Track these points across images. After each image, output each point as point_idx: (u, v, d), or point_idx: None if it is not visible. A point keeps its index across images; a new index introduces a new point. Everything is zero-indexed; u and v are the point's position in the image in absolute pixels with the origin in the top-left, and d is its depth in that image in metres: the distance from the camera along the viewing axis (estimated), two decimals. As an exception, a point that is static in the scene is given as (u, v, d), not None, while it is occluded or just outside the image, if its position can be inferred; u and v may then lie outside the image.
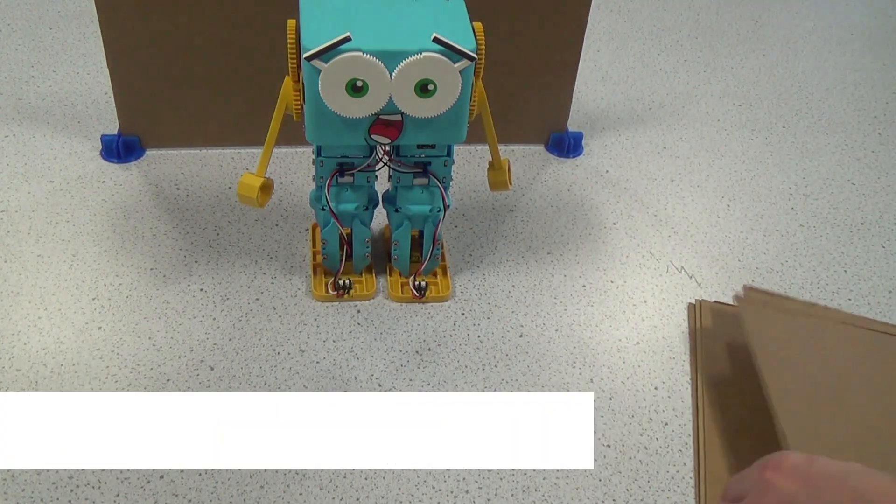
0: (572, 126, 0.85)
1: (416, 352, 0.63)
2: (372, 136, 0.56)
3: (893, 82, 1.02)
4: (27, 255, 0.67)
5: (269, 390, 0.59)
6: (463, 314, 0.66)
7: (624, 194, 0.79)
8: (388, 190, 0.64)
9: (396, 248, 0.66)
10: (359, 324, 0.65)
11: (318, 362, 0.62)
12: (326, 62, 0.51)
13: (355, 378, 0.61)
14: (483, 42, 0.54)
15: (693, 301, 0.69)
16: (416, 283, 0.66)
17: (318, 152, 0.59)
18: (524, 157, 0.83)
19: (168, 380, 0.59)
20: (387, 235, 0.70)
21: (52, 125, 0.80)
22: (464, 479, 0.55)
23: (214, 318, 0.64)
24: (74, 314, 0.63)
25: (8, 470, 0.53)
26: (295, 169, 0.78)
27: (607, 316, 0.67)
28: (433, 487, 0.55)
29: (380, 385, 0.60)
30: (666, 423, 0.60)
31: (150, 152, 0.78)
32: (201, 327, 0.63)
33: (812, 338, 0.64)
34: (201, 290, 0.66)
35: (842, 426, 0.57)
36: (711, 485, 0.57)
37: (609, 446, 0.58)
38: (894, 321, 0.69)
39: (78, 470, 0.53)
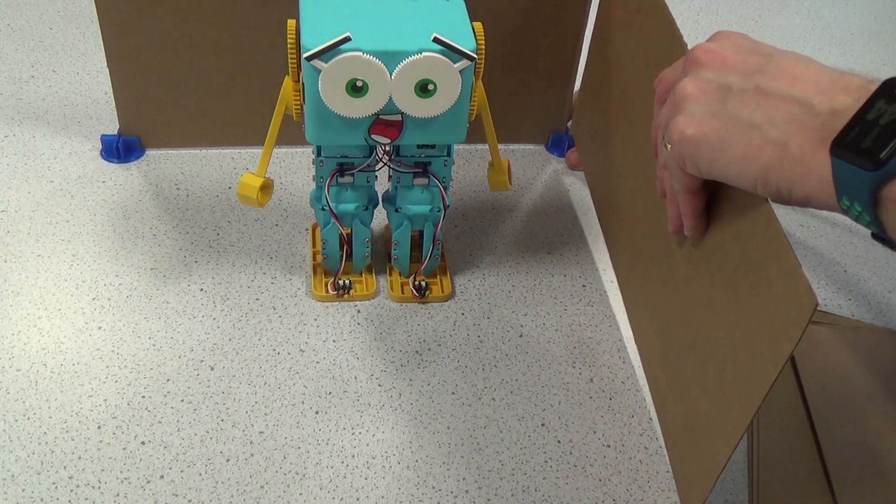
0: (572, 126, 0.85)
1: (416, 352, 0.63)
2: (372, 136, 0.56)
3: (893, 82, 1.01)
4: (27, 255, 0.67)
5: (269, 390, 0.59)
6: (463, 314, 0.66)
7: (624, 194, 0.79)
8: (388, 190, 0.64)
9: (396, 248, 0.66)
10: (359, 324, 0.65)
11: (318, 362, 0.62)
12: (326, 62, 0.51)
13: (355, 378, 0.61)
14: (483, 42, 0.54)
15: (693, 301, 0.70)
16: (417, 283, 0.66)
17: (318, 152, 0.59)
18: (524, 157, 0.83)
19: (168, 380, 0.59)
20: (387, 235, 0.70)
21: (52, 125, 0.80)
22: (464, 479, 0.55)
23: (214, 318, 0.64)
24: (74, 314, 0.63)
25: (8, 470, 0.53)
26: (295, 169, 0.78)
27: (607, 316, 0.67)
28: (433, 487, 0.55)
29: (380, 385, 0.60)
30: (666, 423, 0.60)
31: (150, 152, 0.78)
32: (201, 327, 0.63)
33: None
34: (201, 290, 0.66)
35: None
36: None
37: (609, 446, 0.58)
38: (895, 321, 0.70)
39: (78, 470, 0.53)
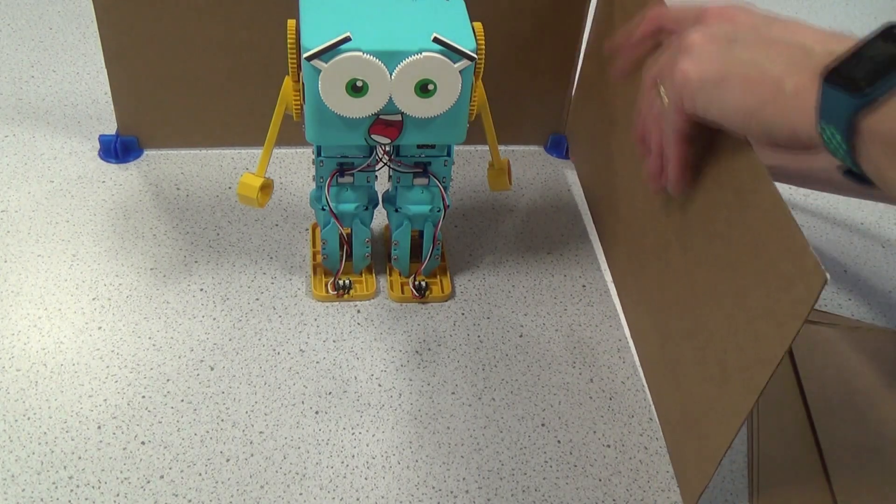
0: (572, 126, 0.85)
1: (416, 352, 0.63)
2: (372, 136, 0.56)
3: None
4: (27, 255, 0.67)
5: (269, 390, 0.59)
6: (463, 314, 0.66)
7: (624, 194, 0.79)
8: (388, 190, 0.64)
9: (396, 248, 0.66)
10: (359, 324, 0.65)
11: (318, 362, 0.62)
12: (326, 62, 0.51)
13: (355, 378, 0.61)
14: (483, 42, 0.54)
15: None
16: (416, 283, 0.66)
17: (318, 152, 0.59)
18: (524, 158, 0.83)
19: (168, 380, 0.59)
20: (387, 235, 0.70)
21: (52, 125, 0.80)
22: (464, 479, 0.55)
23: (214, 318, 0.64)
24: (74, 314, 0.63)
25: (8, 470, 0.53)
26: (295, 169, 0.78)
27: (607, 316, 0.67)
28: (433, 487, 0.55)
29: (380, 385, 0.60)
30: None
31: (149, 152, 0.78)
32: (201, 327, 0.63)
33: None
34: (201, 290, 0.66)
35: None
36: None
37: (609, 446, 0.58)
38: (895, 321, 0.70)
39: (78, 470, 0.53)
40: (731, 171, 0.48)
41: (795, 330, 0.41)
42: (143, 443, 0.55)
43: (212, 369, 0.60)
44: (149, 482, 0.53)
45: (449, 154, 0.60)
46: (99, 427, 0.56)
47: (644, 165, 0.55)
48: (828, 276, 0.38)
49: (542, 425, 0.59)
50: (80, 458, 0.54)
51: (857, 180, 0.40)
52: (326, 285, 0.66)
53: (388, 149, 0.59)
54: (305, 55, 0.51)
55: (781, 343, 0.42)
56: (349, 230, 0.64)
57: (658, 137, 0.52)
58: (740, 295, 0.47)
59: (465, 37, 0.53)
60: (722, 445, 0.49)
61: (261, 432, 0.57)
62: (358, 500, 0.54)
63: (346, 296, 0.66)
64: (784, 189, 0.82)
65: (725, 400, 0.49)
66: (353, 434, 0.57)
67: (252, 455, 0.55)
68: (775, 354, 0.43)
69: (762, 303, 0.45)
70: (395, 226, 0.65)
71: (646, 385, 0.62)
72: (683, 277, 0.55)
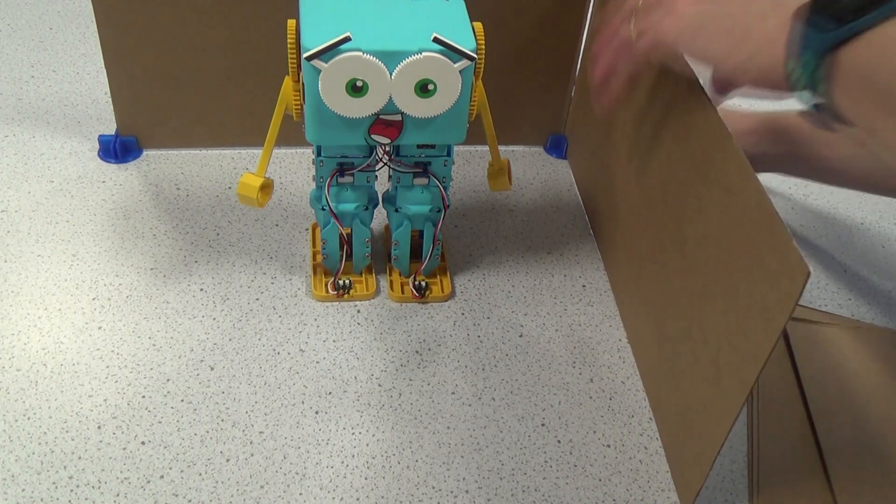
0: (572, 126, 0.85)
1: (416, 352, 0.63)
2: (372, 136, 0.56)
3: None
4: (27, 255, 0.67)
5: (269, 390, 0.59)
6: (463, 314, 0.66)
7: (624, 194, 0.79)
8: (388, 190, 0.64)
9: (396, 248, 0.66)
10: (359, 324, 0.65)
11: (318, 362, 0.62)
12: (326, 62, 0.51)
13: (355, 378, 0.61)
14: (483, 42, 0.54)
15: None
16: (416, 283, 0.66)
17: (318, 152, 0.59)
18: (524, 158, 0.83)
19: (168, 380, 0.59)
20: (387, 235, 0.70)
21: (52, 125, 0.80)
22: (464, 479, 0.55)
23: (214, 318, 0.64)
24: (74, 314, 0.63)
25: (8, 470, 0.53)
26: (295, 169, 0.78)
27: (607, 316, 0.67)
28: (433, 487, 0.55)
29: (380, 385, 0.60)
30: (666, 423, 0.60)
31: (148, 152, 0.78)
32: (201, 327, 0.63)
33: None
34: (201, 290, 0.66)
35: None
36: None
37: (609, 446, 0.58)
38: (895, 321, 0.70)
39: (78, 470, 0.53)
40: (720, 170, 0.48)
41: (782, 325, 0.41)
42: (143, 443, 0.55)
43: (212, 369, 0.60)
44: (149, 482, 0.53)
45: (449, 154, 0.60)
46: (99, 427, 0.56)
47: (590, 75, 0.57)
48: (810, 269, 0.39)
49: (542, 425, 0.59)
50: (80, 458, 0.54)
51: (821, 120, 0.42)
52: (326, 285, 0.66)
53: (388, 149, 0.59)
54: (305, 55, 0.51)
55: (769, 338, 0.43)
56: (349, 230, 0.64)
57: (612, 58, 0.54)
58: (732, 293, 0.48)
59: (465, 37, 0.53)
60: (716, 444, 0.49)
61: (261, 432, 0.57)
62: (358, 500, 0.54)
63: (346, 296, 0.66)
64: (784, 189, 0.82)
65: (719, 398, 0.49)
66: (353, 434, 0.57)
67: (252, 455, 0.55)
68: (764, 350, 0.43)
69: (752, 300, 0.45)
70: (395, 226, 0.65)
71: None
72: (679, 278, 0.55)
